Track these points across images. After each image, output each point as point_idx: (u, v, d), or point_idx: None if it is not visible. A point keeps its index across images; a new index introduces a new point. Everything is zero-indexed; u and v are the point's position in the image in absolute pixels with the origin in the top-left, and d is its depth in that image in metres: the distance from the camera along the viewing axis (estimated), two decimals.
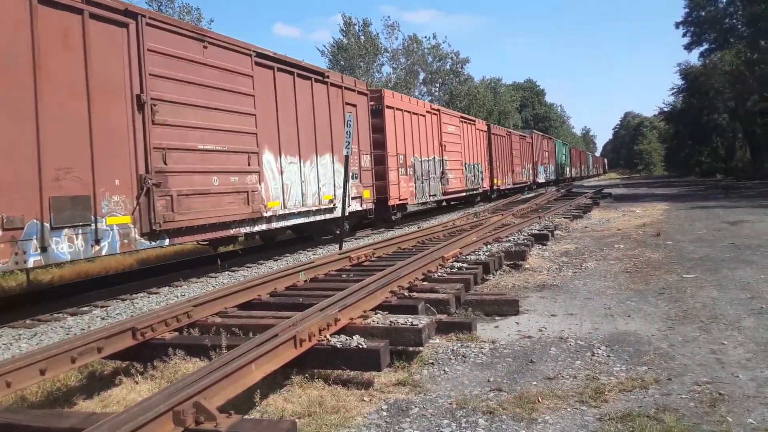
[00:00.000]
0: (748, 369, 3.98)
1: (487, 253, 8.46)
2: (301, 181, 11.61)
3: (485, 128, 27.93)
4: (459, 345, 4.81)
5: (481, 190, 26.01)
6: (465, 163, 23.64)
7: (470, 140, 24.72)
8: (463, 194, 23.93)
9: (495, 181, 28.43)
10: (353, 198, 13.47)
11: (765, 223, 12.54)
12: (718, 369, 4.02)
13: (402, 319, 4.56)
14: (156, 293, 8.35)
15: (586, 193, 26.99)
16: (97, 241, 7.07)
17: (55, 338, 5.95)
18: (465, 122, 24.46)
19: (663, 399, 3.55)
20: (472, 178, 24.68)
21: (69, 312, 7.38)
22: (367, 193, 14.46)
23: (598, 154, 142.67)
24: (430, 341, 4.73)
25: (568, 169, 57.38)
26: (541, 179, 41.06)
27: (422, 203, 20.55)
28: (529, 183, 37.09)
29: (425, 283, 6.38)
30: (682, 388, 3.70)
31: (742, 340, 4.60)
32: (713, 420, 3.23)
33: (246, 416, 3.38)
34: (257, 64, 10.44)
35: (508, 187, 31.59)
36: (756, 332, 4.79)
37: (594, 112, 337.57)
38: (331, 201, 12.54)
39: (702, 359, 4.23)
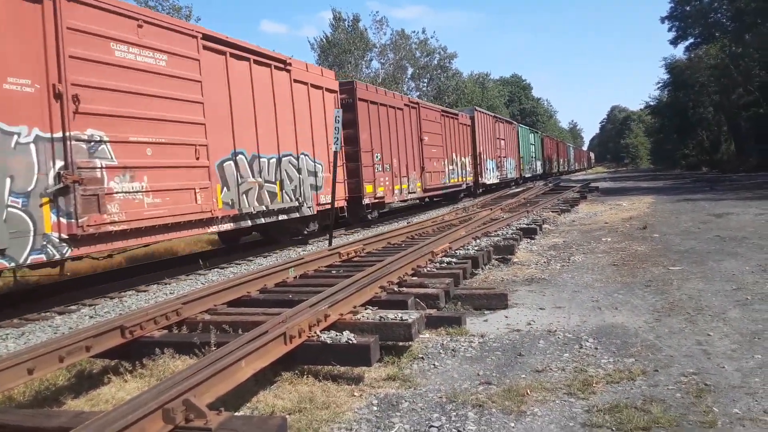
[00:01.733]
0: (734, 360, 4.03)
1: (476, 248, 8.49)
2: None
3: (333, 86, 14.17)
4: (449, 339, 4.84)
5: (309, 212, 12.41)
6: (237, 153, 10.16)
7: (273, 104, 11.43)
8: (228, 226, 10.00)
9: (368, 189, 15.47)
10: None
11: (750, 216, 12.68)
12: (704, 360, 4.07)
13: (392, 314, 4.56)
14: (145, 291, 8.31)
15: (574, 187, 27.16)
16: None
17: (43, 337, 5.91)
18: (251, 60, 10.84)
19: (650, 390, 3.60)
20: (272, 189, 11.12)
21: (57, 311, 7.33)
22: None
23: (585, 148, 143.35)
24: (420, 336, 4.75)
25: (539, 163, 46.72)
26: (490, 179, 29.41)
27: None
28: (465, 185, 25.60)
29: (415, 278, 6.40)
30: (668, 380, 3.75)
31: (727, 332, 4.66)
32: (699, 410, 3.27)
33: (236, 413, 3.39)
34: None
35: (413, 195, 19.31)
36: (741, 323, 4.85)
37: (581, 107, 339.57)
38: None
39: (688, 350, 4.28)
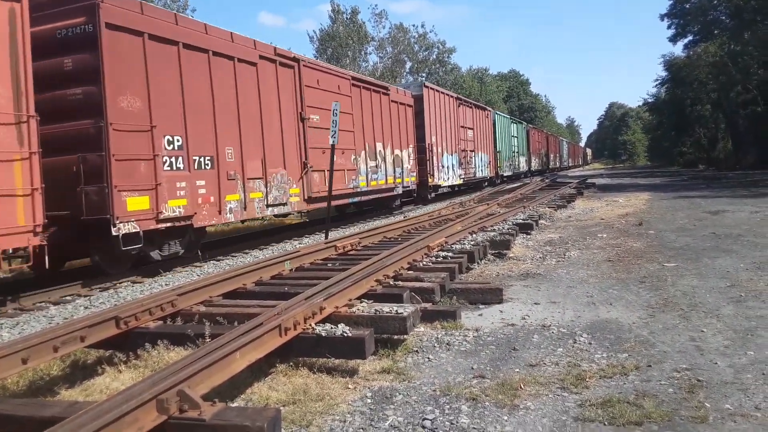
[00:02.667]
0: (727, 356, 4.05)
1: (471, 243, 8.50)
2: None
3: None
4: (443, 333, 4.85)
5: None
6: None
7: None
8: None
9: (135, 204, 8.11)
10: None
11: (745, 213, 12.72)
12: (697, 356, 4.09)
13: (387, 308, 4.57)
14: (140, 282, 8.30)
15: (570, 183, 27.20)
16: None
17: (38, 327, 5.90)
18: None
19: (643, 385, 3.61)
20: None
21: (52, 301, 7.31)
22: None
23: (582, 144, 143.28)
24: (415, 329, 4.76)
25: (523, 159, 40.06)
26: (447, 179, 22.38)
27: None
28: (402, 189, 18.27)
29: (410, 272, 6.40)
30: (661, 375, 3.76)
31: (721, 328, 4.68)
32: (692, 405, 3.29)
33: (231, 404, 3.39)
34: None
35: (281, 210, 11.66)
36: (734, 320, 4.87)
37: (579, 103, 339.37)
38: None
39: (681, 346, 4.30)
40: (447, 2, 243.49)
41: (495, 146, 31.15)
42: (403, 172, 18.39)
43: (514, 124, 38.17)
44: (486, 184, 29.63)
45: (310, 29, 66.56)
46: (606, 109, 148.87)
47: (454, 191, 25.90)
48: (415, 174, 19.55)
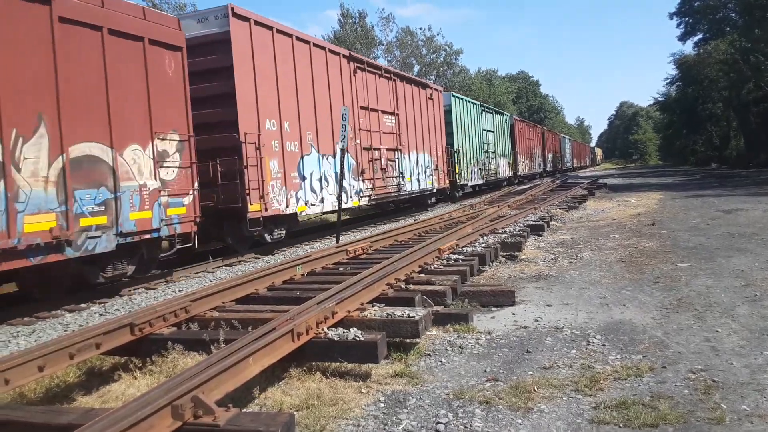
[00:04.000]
0: (742, 356, 4.02)
1: (483, 245, 8.48)
2: None
3: None
4: (455, 336, 4.84)
5: None
6: None
7: None
8: None
9: None
10: None
11: (759, 212, 12.59)
12: (713, 356, 4.05)
13: (399, 311, 4.57)
14: (154, 289, 8.36)
15: (581, 183, 27.07)
16: None
17: (53, 335, 5.96)
18: None
19: (658, 387, 3.59)
20: None
21: (67, 309, 7.38)
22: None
23: (593, 144, 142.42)
24: (427, 333, 4.75)
25: (504, 162, 30.68)
26: (317, 202, 12.32)
27: None
28: (78, 249, 6.25)
29: (422, 275, 6.40)
30: (676, 376, 3.74)
31: (736, 328, 4.64)
32: (707, 407, 3.26)
33: (244, 410, 3.41)
34: None
35: None
36: (750, 320, 4.83)
37: (588, 103, 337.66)
38: None
39: (696, 347, 4.26)
40: (451, 5, 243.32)
41: (452, 144, 21.78)
42: (118, 199, 7.67)
43: (489, 114, 28.22)
44: (433, 199, 20.49)
45: (319, 34, 66.72)
46: (616, 109, 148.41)
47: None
48: (190, 198, 9.07)
